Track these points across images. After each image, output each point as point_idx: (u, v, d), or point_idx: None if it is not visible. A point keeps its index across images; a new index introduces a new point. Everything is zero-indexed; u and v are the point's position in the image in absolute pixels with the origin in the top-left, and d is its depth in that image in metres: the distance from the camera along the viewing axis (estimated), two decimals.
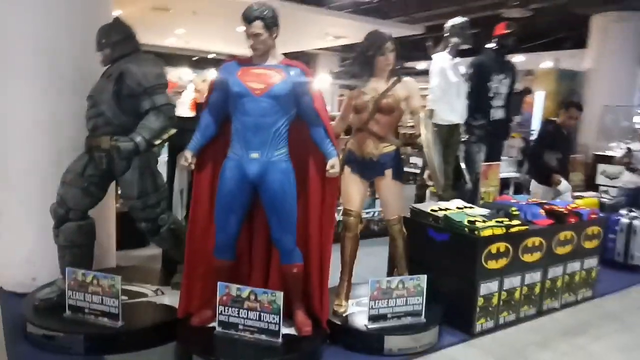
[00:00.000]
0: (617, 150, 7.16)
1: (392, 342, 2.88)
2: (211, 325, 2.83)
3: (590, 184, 6.59)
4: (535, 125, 9.06)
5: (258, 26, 2.58)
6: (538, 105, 9.69)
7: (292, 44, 12.49)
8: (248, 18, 2.58)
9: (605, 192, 5.81)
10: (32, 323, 2.83)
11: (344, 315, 3.08)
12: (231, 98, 2.67)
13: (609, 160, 6.84)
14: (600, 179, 6.80)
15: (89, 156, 3.04)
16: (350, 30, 9.95)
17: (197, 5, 8.11)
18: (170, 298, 3.20)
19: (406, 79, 3.11)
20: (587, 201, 4.66)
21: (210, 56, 15.48)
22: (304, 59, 13.76)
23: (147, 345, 2.81)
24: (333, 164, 2.70)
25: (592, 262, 3.88)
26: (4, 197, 3.57)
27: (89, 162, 3.04)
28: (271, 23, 2.62)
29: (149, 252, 4.64)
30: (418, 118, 3.08)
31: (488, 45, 4.30)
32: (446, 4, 9.55)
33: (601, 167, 6.87)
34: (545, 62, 11.87)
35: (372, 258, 3.82)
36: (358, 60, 3.07)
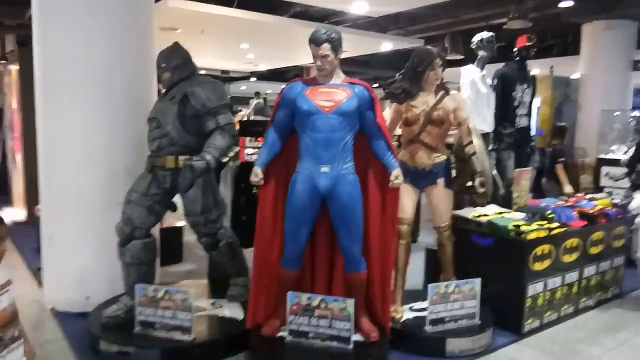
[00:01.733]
0: (618, 152, 7.44)
1: (453, 345, 3.01)
2: (280, 334, 2.93)
3: (595, 186, 6.87)
4: (533, 131, 9.37)
5: (326, 48, 2.74)
6: (535, 111, 10.01)
7: (291, 59, 12.72)
8: (317, 41, 2.73)
9: (610, 193, 6.07)
10: (105, 340, 2.89)
11: (401, 320, 3.20)
12: (300, 116, 2.81)
13: (612, 162, 7.11)
14: (604, 181, 7.07)
15: (152, 175, 3.14)
16: (349, 44, 10.11)
17: (205, 25, 8.24)
18: (230, 310, 3.30)
19: (454, 92, 3.29)
20: (601, 202, 4.88)
21: (202, 72, 15.61)
22: (301, 74, 13.97)
23: (219, 357, 2.89)
24: (397, 174, 2.84)
25: (619, 260, 4.09)
26: (56, 219, 3.64)
27: (153, 181, 3.13)
28: (337, 45, 2.78)
29: (185, 268, 4.72)
30: (467, 128, 3.25)
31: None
32: (439, 17, 9.86)
33: (605, 169, 7.14)
34: (535, 69, 12.27)
35: None
36: (408, 75, 3.22)
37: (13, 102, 7.24)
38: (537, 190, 6.05)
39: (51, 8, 3.47)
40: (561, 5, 7.86)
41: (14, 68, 7.07)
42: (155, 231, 3.47)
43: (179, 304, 2.88)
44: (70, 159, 3.50)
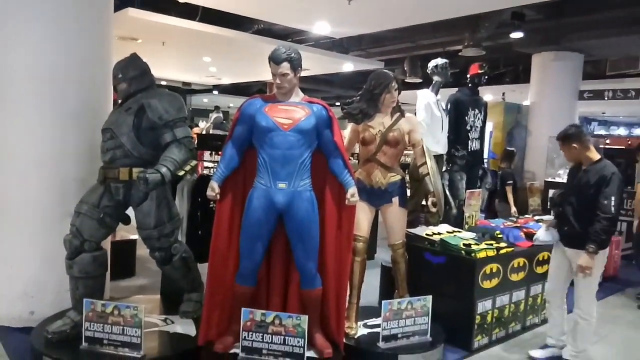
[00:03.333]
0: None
1: None
2: (233, 351, 2.90)
3: (543, 208, 7.19)
4: (486, 154, 9.74)
5: (286, 67, 2.78)
6: (487, 135, 10.43)
7: (253, 74, 12.75)
8: (277, 59, 2.78)
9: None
10: (49, 356, 2.78)
11: (355, 336, 3.23)
12: (258, 132, 2.83)
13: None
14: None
15: (104, 187, 3.07)
16: (311, 63, 10.29)
17: (167, 36, 8.17)
18: (183, 326, 3.23)
19: (408, 114, 3.41)
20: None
21: (162, 82, 15.40)
22: (264, 89, 14.02)
23: None
24: (353, 192, 2.90)
25: None
26: (0, 230, 3.47)
27: (105, 192, 3.06)
28: (297, 64, 2.83)
29: (137, 282, 4.60)
30: (421, 149, 3.36)
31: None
32: (399, 40, 10.18)
33: (552, 192, 7.49)
34: (487, 95, 12.79)
35: None
36: (365, 97, 3.31)
37: None
38: (490, 211, 6.29)
39: (2, 14, 3.36)
40: (512, 35, 8.27)
41: None
42: (107, 244, 3.38)
43: (129, 320, 2.80)
44: (18, 168, 3.37)
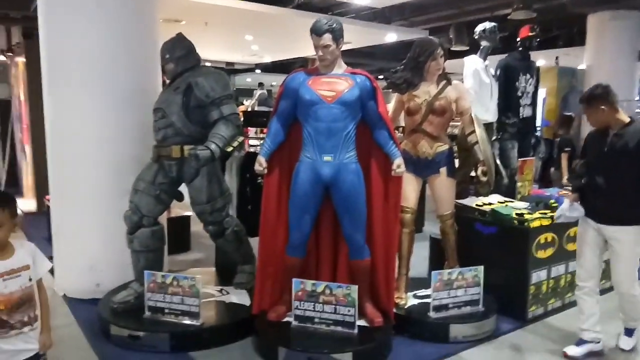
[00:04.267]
0: None
1: (457, 331, 3.06)
2: (286, 319, 2.99)
3: None
4: (539, 121, 9.36)
5: (328, 38, 2.77)
6: (540, 102, 9.99)
7: (295, 50, 12.71)
8: (318, 31, 2.76)
9: None
10: (116, 325, 2.97)
11: (405, 307, 3.25)
12: (302, 106, 2.85)
13: None
14: None
15: (159, 165, 3.19)
16: (353, 35, 10.11)
17: (209, 16, 8.25)
18: (237, 297, 3.37)
19: (455, 82, 3.32)
20: None
21: (207, 63, 15.64)
22: (305, 65, 13.97)
23: (227, 341, 2.97)
24: (399, 163, 2.88)
25: None
26: (66, 208, 3.71)
27: (159, 170, 3.18)
28: (338, 35, 2.80)
29: (193, 257, 4.79)
30: (469, 118, 3.28)
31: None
32: (444, 7, 9.82)
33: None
34: (540, 59, 12.20)
35: None
36: (410, 66, 3.25)
37: (20, 94, 7.32)
38: (544, 180, 6.07)
39: (55, 1, 3.51)
40: None
41: (21, 60, 7.14)
42: (163, 219, 3.53)
43: (187, 290, 2.94)
44: (77, 150, 3.56)
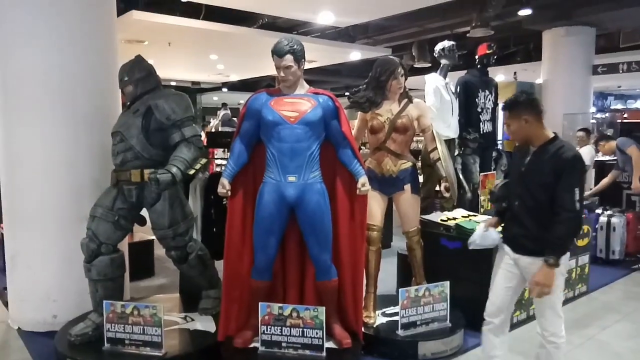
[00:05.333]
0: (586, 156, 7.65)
1: (426, 348, 3.05)
2: (253, 345, 2.92)
3: None
4: (499, 136, 9.60)
5: (289, 59, 2.77)
6: (500, 117, 10.27)
7: (261, 69, 12.73)
8: (279, 52, 2.76)
9: None
10: (73, 359, 2.83)
11: (373, 325, 3.23)
12: (265, 126, 2.83)
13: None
14: None
15: (117, 189, 3.09)
16: (318, 54, 10.25)
17: (172, 37, 8.19)
18: (202, 323, 3.27)
19: (417, 100, 3.37)
20: None
21: (172, 83, 15.49)
22: (273, 83, 14.00)
23: None
24: (364, 182, 2.88)
25: (584, 259, 4.22)
26: (20, 236, 3.54)
27: (118, 195, 3.09)
28: (300, 56, 2.81)
29: (157, 282, 4.65)
30: (431, 135, 3.33)
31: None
32: (406, 26, 10.06)
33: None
34: (499, 75, 12.59)
35: None
36: (372, 85, 3.28)
37: None
38: None
39: (9, 22, 3.40)
40: (521, 13, 8.11)
41: None
42: (124, 246, 3.42)
43: (149, 319, 2.84)
44: (32, 174, 3.42)
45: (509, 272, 2.49)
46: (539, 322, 2.47)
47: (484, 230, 2.59)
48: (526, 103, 2.37)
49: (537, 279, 2.28)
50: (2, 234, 3.98)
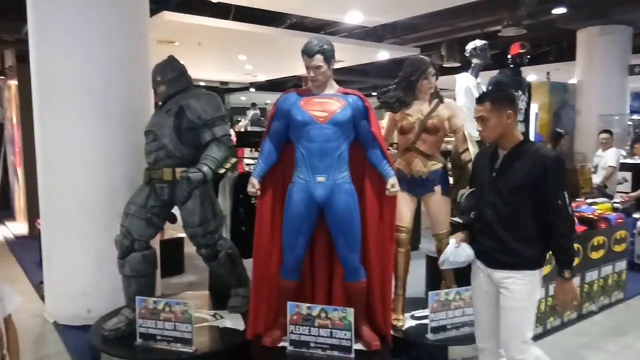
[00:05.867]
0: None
1: (456, 352, 3.00)
2: (281, 344, 2.93)
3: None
4: (531, 137, 9.39)
5: (319, 59, 2.76)
6: (532, 117, 10.04)
7: (288, 69, 12.79)
8: (309, 52, 2.76)
9: (611, 197, 6.08)
10: (107, 353, 2.89)
11: (402, 328, 3.20)
12: (295, 126, 2.83)
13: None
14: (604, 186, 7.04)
15: (150, 188, 3.15)
16: (346, 54, 10.21)
17: (202, 37, 8.30)
18: (231, 321, 3.30)
19: (448, 100, 3.31)
20: (600, 207, 4.88)
21: (201, 83, 15.71)
22: (300, 83, 14.05)
23: None
24: (393, 182, 2.85)
25: (621, 265, 4.08)
26: (56, 232, 3.65)
27: (151, 193, 3.14)
28: (330, 56, 2.80)
29: (186, 279, 4.72)
30: (462, 135, 3.27)
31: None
32: (435, 25, 9.93)
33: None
34: (531, 75, 12.31)
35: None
36: (402, 85, 3.25)
37: (13, 117, 7.29)
38: None
39: (46, 24, 3.51)
40: (555, 12, 7.91)
41: (13, 83, 7.13)
42: (155, 243, 3.48)
43: (179, 316, 2.88)
44: (68, 172, 3.52)
45: (485, 291, 2.31)
46: (506, 344, 2.23)
47: (455, 247, 2.32)
48: (511, 98, 2.23)
49: (561, 298, 2.19)
50: (40, 230, 4.10)
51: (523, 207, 2.13)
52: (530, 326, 2.22)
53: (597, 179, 6.40)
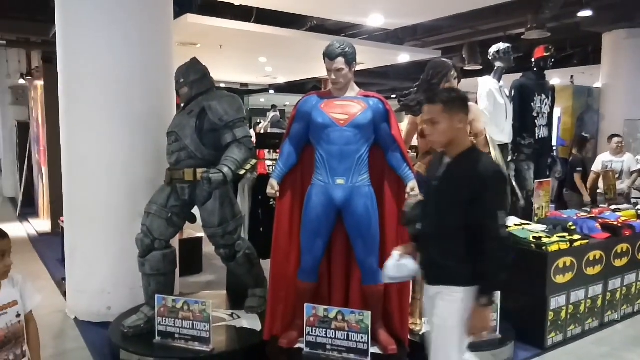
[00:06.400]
0: None
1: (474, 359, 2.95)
2: (297, 346, 2.93)
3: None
4: (554, 141, 9.23)
5: (340, 62, 2.76)
6: (555, 121, 9.88)
7: (308, 72, 12.81)
8: (331, 55, 2.76)
9: (636, 203, 5.94)
10: (126, 350, 2.93)
11: (420, 333, 3.17)
12: (315, 129, 2.83)
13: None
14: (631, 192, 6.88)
15: (171, 188, 3.19)
16: (366, 56, 10.17)
17: (224, 39, 8.38)
18: (248, 321, 3.32)
19: (469, 103, 3.27)
20: (625, 213, 4.77)
21: (221, 85, 15.84)
22: (319, 85, 14.07)
23: None
24: (413, 186, 2.83)
25: None
26: (79, 230, 3.72)
27: (172, 193, 3.18)
28: (351, 59, 2.80)
29: (204, 279, 4.76)
30: (484, 139, 3.24)
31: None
32: (457, 27, 9.84)
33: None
34: (554, 79, 12.11)
35: None
36: (423, 88, 3.23)
37: (39, 117, 7.47)
38: (561, 201, 5.96)
39: (74, 26, 3.59)
40: (580, 14, 7.76)
41: (40, 84, 7.31)
42: (175, 242, 3.52)
43: (198, 315, 2.91)
44: (92, 172, 3.59)
45: (429, 309, 2.16)
46: None
47: (397, 260, 2.16)
48: (464, 102, 2.04)
49: (472, 323, 1.96)
50: (63, 228, 4.19)
51: (457, 220, 1.95)
52: (456, 347, 2.03)
53: (621, 185, 6.25)
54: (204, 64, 3.33)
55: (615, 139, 6.32)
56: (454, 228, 1.97)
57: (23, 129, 8.78)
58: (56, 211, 6.13)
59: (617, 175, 6.28)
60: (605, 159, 6.07)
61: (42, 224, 7.18)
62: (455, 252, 1.98)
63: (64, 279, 4.03)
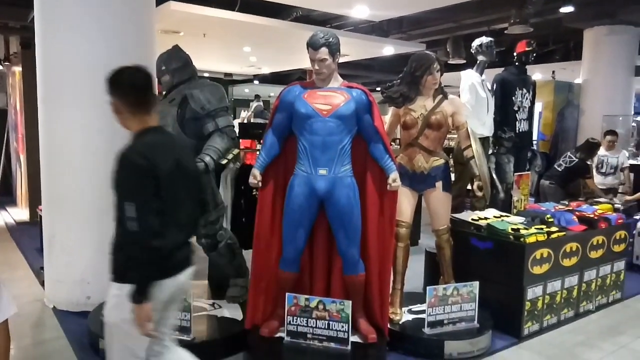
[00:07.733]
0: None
1: (452, 347, 3.01)
2: (278, 335, 2.95)
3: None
4: (535, 135, 9.36)
5: (324, 52, 2.76)
6: (536, 116, 10.01)
7: (293, 62, 12.75)
8: (315, 45, 2.76)
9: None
10: (104, 339, 2.90)
11: (399, 322, 3.21)
12: (298, 119, 2.83)
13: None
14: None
15: None
16: (351, 48, 10.17)
17: (207, 28, 8.28)
18: (230, 311, 3.32)
19: (452, 96, 3.31)
20: (601, 207, 4.87)
21: (205, 75, 15.67)
22: (304, 76, 14.01)
23: (218, 357, 2.91)
24: (395, 177, 2.86)
25: (620, 265, 4.09)
26: (57, 219, 3.66)
27: None
28: (335, 49, 2.80)
29: None
30: (465, 132, 3.27)
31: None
32: (441, 21, 9.88)
33: None
34: (536, 74, 12.25)
35: None
36: (406, 80, 3.25)
37: (17, 103, 7.30)
38: (539, 194, 6.02)
39: (52, 11, 3.51)
40: (562, 10, 7.86)
41: (17, 69, 7.14)
42: None
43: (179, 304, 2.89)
44: (70, 160, 3.53)
45: None
46: None
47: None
48: (114, 81, 1.93)
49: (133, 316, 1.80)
50: (41, 217, 4.12)
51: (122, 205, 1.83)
52: (138, 345, 1.94)
53: (614, 180, 6.29)
54: (187, 52, 3.29)
55: (608, 137, 6.42)
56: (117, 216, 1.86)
57: (1, 116, 8.58)
58: (34, 200, 6.02)
59: (612, 171, 6.36)
60: (600, 153, 6.18)
61: (20, 212, 7.05)
62: (115, 243, 1.92)
63: (42, 268, 3.97)
